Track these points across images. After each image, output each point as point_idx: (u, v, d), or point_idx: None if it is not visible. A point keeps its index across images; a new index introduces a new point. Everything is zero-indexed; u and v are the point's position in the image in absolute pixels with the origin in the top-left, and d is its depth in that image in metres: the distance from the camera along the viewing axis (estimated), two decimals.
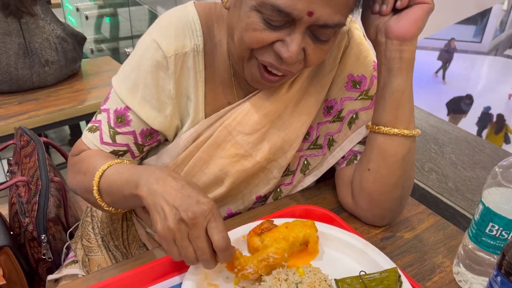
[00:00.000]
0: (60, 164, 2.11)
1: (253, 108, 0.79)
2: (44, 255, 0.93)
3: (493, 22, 7.53)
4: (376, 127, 0.76)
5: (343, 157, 0.86)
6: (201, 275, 0.65)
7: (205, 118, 0.80)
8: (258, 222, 0.73)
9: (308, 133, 0.87)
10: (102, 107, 0.81)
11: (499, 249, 0.64)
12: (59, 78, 1.83)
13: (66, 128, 2.70)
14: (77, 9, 3.36)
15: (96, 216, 0.99)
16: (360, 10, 0.73)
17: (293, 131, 0.82)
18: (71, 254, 0.96)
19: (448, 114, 5.21)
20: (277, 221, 0.73)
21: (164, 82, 0.76)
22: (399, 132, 0.74)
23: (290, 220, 0.74)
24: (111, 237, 0.94)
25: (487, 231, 0.64)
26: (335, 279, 0.65)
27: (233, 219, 0.84)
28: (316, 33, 0.66)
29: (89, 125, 0.82)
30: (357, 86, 0.83)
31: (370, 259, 0.69)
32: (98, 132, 0.80)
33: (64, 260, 0.96)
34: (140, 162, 0.88)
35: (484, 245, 0.66)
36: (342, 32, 0.82)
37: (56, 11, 1.88)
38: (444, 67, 6.48)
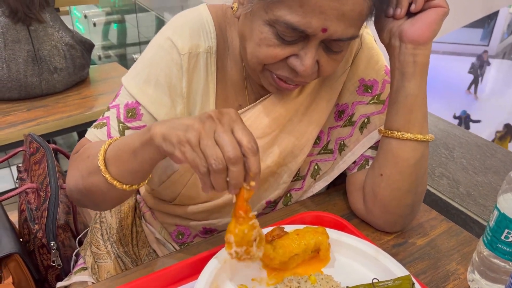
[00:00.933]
0: None
1: (264, 112, 0.79)
2: (53, 262, 0.92)
3: (500, 25, 7.50)
4: (389, 132, 0.75)
5: (354, 162, 0.85)
6: (213, 283, 0.64)
7: None
8: (269, 229, 0.73)
9: (318, 138, 0.86)
10: (110, 105, 0.79)
11: None
12: (67, 84, 1.84)
13: (75, 135, 2.71)
14: (85, 16, 3.38)
15: (105, 222, 0.99)
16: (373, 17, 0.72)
17: (304, 135, 0.82)
18: (80, 261, 0.96)
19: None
20: (288, 228, 0.73)
21: (177, 80, 0.76)
22: (412, 137, 0.73)
23: (301, 226, 0.73)
24: (120, 244, 0.93)
25: (502, 237, 0.63)
26: (347, 287, 0.64)
27: None
28: (329, 45, 0.66)
29: (95, 123, 0.79)
30: (369, 90, 0.83)
31: (383, 266, 0.68)
32: (105, 127, 0.77)
33: (73, 267, 0.96)
34: None
35: (500, 252, 0.64)
36: None
37: (64, 18, 1.90)
38: (476, 81, 6.28)
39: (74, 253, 0.99)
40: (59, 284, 0.91)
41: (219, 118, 0.54)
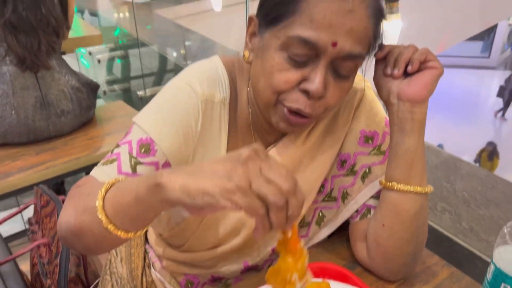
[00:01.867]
0: None
1: None
2: None
3: (500, 37, 7.53)
4: (389, 184, 0.78)
5: (356, 210, 0.88)
6: None
7: None
8: None
9: (322, 186, 0.89)
10: (120, 142, 0.76)
11: None
12: (74, 126, 1.88)
13: (83, 174, 2.75)
14: (90, 53, 3.46)
15: (116, 273, 1.01)
16: (373, 69, 0.77)
17: (308, 184, 0.85)
18: None
19: None
20: None
21: (193, 122, 0.77)
22: (412, 189, 0.76)
23: None
24: None
25: None
26: None
27: (250, 278, 0.86)
28: (338, 67, 0.69)
29: (103, 160, 0.75)
30: (370, 141, 0.86)
31: None
32: (116, 162, 0.73)
33: None
34: (157, 218, 0.90)
35: None
36: (355, 90, 0.85)
37: (69, 56, 1.95)
38: (506, 106, 5.91)
39: None
40: None
41: (258, 155, 0.50)
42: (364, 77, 0.85)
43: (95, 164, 0.75)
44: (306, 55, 0.67)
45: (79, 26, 2.15)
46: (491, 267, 0.67)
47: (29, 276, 1.10)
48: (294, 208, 0.49)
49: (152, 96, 0.84)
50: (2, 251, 1.02)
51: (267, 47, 0.70)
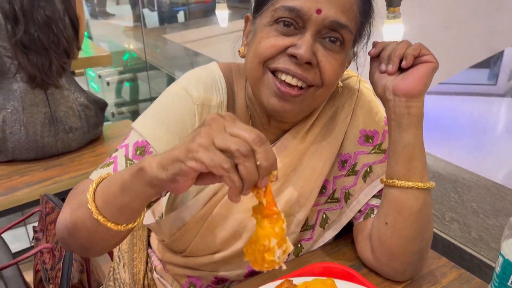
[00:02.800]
0: None
1: None
2: None
3: (506, 63, 7.56)
4: (391, 181, 0.77)
5: (359, 211, 0.87)
6: None
7: None
8: (277, 282, 0.73)
9: (324, 187, 0.88)
10: (118, 147, 0.78)
11: None
12: (82, 143, 1.90)
13: None
14: (99, 76, 3.54)
15: (119, 279, 1.00)
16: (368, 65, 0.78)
17: (309, 184, 0.84)
18: None
19: None
20: (296, 280, 0.73)
21: (189, 126, 0.79)
22: (413, 185, 0.75)
23: (309, 279, 0.74)
24: None
25: (509, 283, 0.63)
26: None
27: (252, 279, 0.84)
28: (325, 38, 0.71)
29: (101, 164, 0.78)
30: (370, 140, 0.86)
31: None
32: (112, 165, 0.75)
33: None
34: (157, 223, 0.89)
35: None
36: (353, 90, 0.86)
37: (79, 79, 1.99)
38: None
39: None
40: None
41: (222, 117, 0.52)
42: (360, 77, 0.86)
43: None
44: (292, 24, 0.70)
45: (88, 47, 2.20)
46: (499, 260, 0.65)
47: (32, 286, 1.09)
48: (262, 158, 0.49)
49: None
50: (5, 256, 1.02)
51: (257, 30, 0.74)
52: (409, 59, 0.72)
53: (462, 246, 1.14)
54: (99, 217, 0.62)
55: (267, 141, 0.51)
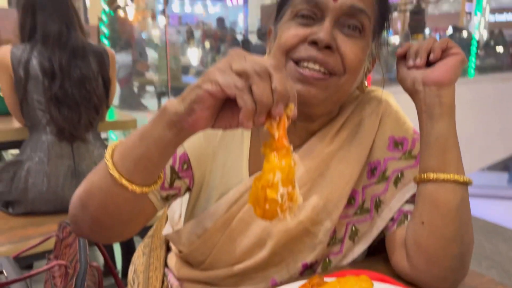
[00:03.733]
0: None
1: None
2: None
3: None
4: (425, 175, 0.74)
5: (392, 219, 0.82)
6: None
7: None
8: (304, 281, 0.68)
9: (353, 198, 0.85)
10: None
11: None
12: None
13: None
14: None
15: None
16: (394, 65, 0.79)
17: (336, 190, 0.81)
18: None
19: None
20: (328, 279, 0.68)
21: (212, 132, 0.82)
22: (448, 177, 0.72)
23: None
24: None
25: None
26: None
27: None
28: (344, 24, 0.73)
29: None
30: (399, 147, 0.84)
31: None
32: None
33: None
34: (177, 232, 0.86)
35: None
36: (379, 99, 0.87)
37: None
38: None
39: None
40: None
41: (244, 52, 0.54)
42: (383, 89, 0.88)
43: None
44: (311, 15, 0.73)
45: (113, 114, 2.30)
46: None
47: None
48: (278, 82, 0.50)
49: None
50: (14, 272, 0.97)
51: (278, 30, 0.77)
52: (437, 52, 0.74)
53: None
54: (115, 173, 0.62)
55: (284, 69, 0.54)
